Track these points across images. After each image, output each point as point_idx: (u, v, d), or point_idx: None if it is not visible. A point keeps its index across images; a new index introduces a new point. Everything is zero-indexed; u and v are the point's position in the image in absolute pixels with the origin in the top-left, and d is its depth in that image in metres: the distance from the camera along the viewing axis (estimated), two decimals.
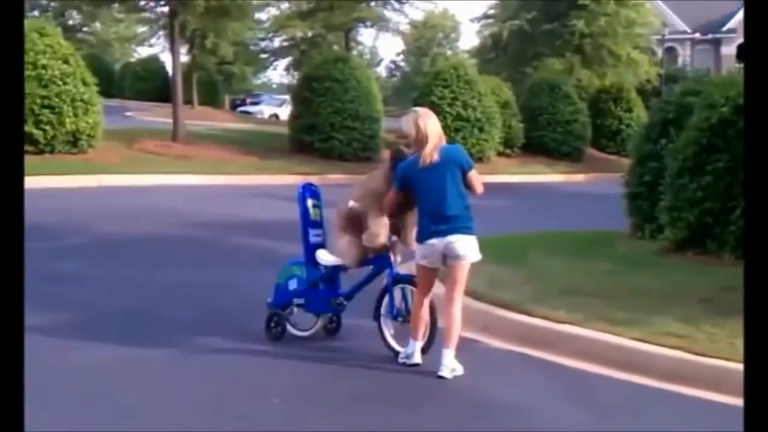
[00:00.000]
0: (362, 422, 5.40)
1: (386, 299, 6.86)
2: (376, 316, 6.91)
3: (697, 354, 6.40)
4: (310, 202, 7.29)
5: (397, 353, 6.73)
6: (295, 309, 7.31)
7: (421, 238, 6.46)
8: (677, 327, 6.93)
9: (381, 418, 5.49)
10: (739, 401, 5.82)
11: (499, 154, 31.08)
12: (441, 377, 6.24)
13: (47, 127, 20.33)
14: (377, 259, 6.95)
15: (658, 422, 5.64)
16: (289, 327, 7.30)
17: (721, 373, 6.15)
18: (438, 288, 6.80)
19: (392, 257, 6.87)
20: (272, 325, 7.25)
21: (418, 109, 6.75)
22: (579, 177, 31.26)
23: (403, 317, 6.83)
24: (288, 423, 5.35)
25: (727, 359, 6.24)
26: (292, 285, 7.27)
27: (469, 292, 7.55)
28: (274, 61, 55.53)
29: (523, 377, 6.54)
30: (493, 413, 5.65)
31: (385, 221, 6.71)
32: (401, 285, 6.87)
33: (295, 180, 22.60)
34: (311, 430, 5.29)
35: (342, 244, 6.94)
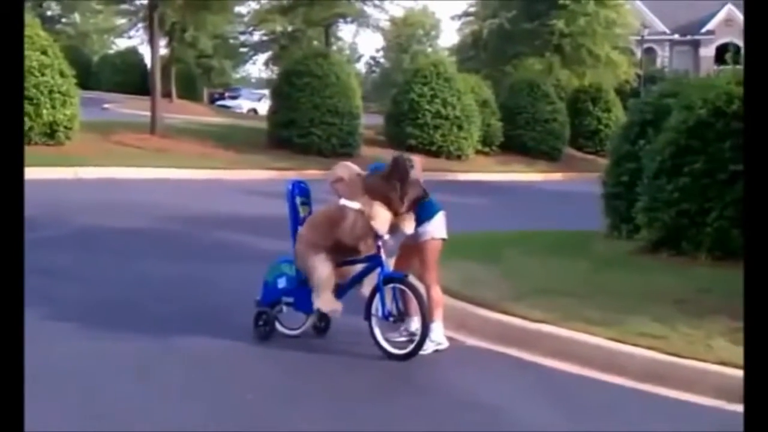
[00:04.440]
0: (337, 420, 5.39)
1: (377, 298, 6.79)
2: (367, 316, 6.83)
3: (672, 354, 6.42)
4: (299, 200, 7.23)
5: (387, 353, 6.72)
6: (284, 308, 7.23)
7: (435, 211, 7.00)
8: (653, 327, 6.95)
9: (357, 416, 5.49)
10: (713, 402, 5.90)
11: (478, 152, 31.13)
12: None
13: (24, 118, 20.15)
14: (368, 258, 6.92)
15: (632, 422, 5.67)
16: (277, 326, 7.24)
17: (696, 373, 6.19)
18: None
19: (384, 256, 6.83)
20: (260, 323, 7.13)
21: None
22: (557, 176, 31.37)
23: (395, 317, 6.84)
24: (266, 420, 5.33)
25: (702, 360, 6.27)
26: (281, 283, 7.18)
27: (446, 290, 7.57)
28: (254, 55, 55.23)
29: (499, 376, 6.55)
30: (468, 411, 5.65)
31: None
32: (392, 284, 6.83)
33: (273, 175, 22.67)
34: (289, 426, 5.27)
35: (321, 273, 6.82)
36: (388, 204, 6.70)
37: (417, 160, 7.12)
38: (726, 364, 6.15)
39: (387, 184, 6.77)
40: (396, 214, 6.72)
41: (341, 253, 6.89)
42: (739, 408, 5.70)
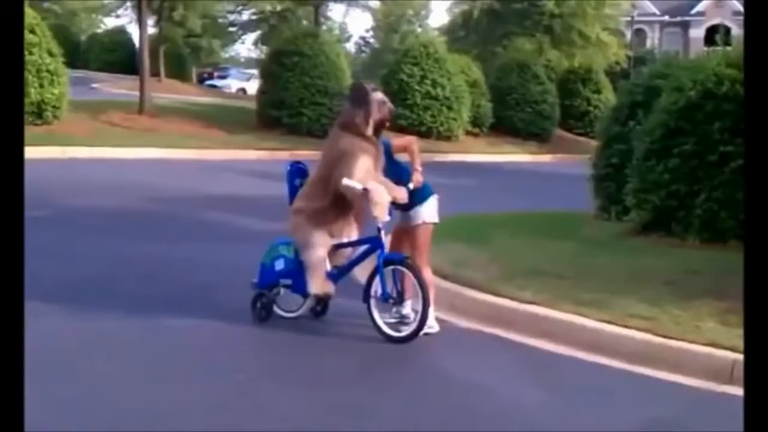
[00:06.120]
0: (324, 400, 5.39)
1: (376, 281, 6.76)
2: (366, 298, 6.81)
3: (661, 336, 6.44)
4: (298, 181, 7.19)
5: (386, 335, 6.70)
6: (282, 290, 7.18)
7: (428, 194, 6.95)
8: (642, 309, 6.97)
9: (344, 396, 5.48)
10: (702, 383, 5.92)
11: (468, 133, 31.11)
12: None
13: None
14: (368, 240, 6.91)
15: (621, 403, 5.68)
16: (275, 308, 7.20)
17: (685, 354, 6.20)
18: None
19: (384, 238, 6.80)
20: (258, 306, 7.08)
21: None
22: (547, 157, 31.38)
23: (394, 299, 6.82)
24: (254, 401, 5.32)
25: (691, 341, 6.29)
26: (279, 265, 7.11)
27: (436, 271, 7.56)
28: (243, 34, 55.23)
29: (490, 357, 6.56)
30: (457, 392, 5.66)
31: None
32: (392, 267, 6.79)
33: (262, 155, 22.65)
34: (276, 406, 5.26)
35: (316, 253, 6.82)
36: (356, 129, 6.74)
37: (412, 139, 7.20)
38: (715, 346, 6.17)
39: (351, 110, 6.85)
40: (363, 136, 6.71)
41: (342, 208, 6.81)
42: (728, 389, 5.76)
